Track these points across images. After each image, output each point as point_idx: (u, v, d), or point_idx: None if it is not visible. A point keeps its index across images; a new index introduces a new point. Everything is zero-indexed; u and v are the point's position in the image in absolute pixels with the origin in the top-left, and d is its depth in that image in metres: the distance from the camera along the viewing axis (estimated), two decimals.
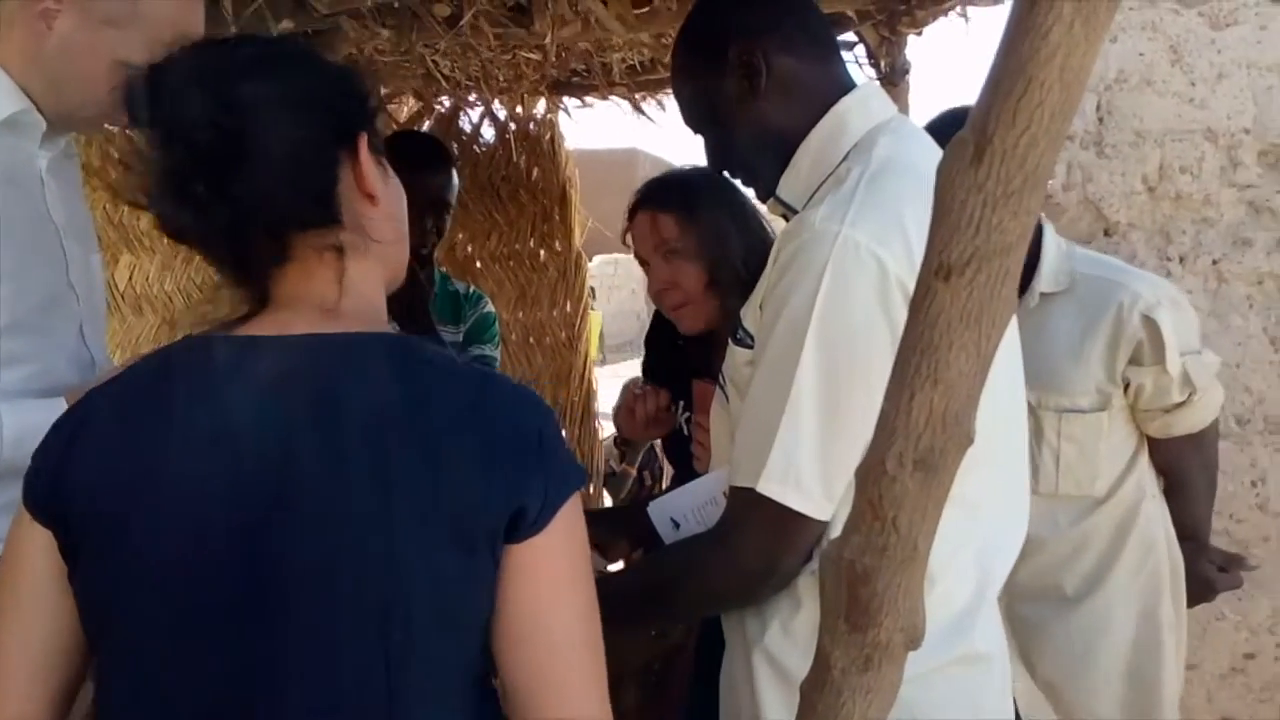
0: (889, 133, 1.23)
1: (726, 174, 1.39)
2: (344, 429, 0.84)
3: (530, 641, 0.87)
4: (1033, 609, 1.90)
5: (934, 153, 1.25)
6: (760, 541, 1.16)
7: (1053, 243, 1.91)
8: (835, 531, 0.80)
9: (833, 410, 1.11)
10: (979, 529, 1.18)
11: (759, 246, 1.82)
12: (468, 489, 0.84)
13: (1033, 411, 1.83)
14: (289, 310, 0.91)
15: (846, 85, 1.30)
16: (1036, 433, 1.84)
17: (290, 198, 0.88)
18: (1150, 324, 1.78)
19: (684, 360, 2.03)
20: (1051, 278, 1.87)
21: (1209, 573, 1.94)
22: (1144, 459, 1.90)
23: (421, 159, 2.31)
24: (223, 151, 0.85)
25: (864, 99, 1.28)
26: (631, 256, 2.05)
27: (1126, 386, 1.83)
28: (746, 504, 1.15)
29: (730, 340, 1.28)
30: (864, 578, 0.75)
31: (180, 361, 0.90)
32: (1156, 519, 1.90)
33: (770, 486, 1.13)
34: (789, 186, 1.29)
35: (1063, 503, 1.88)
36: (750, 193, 1.41)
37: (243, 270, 0.92)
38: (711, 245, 1.81)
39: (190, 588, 0.84)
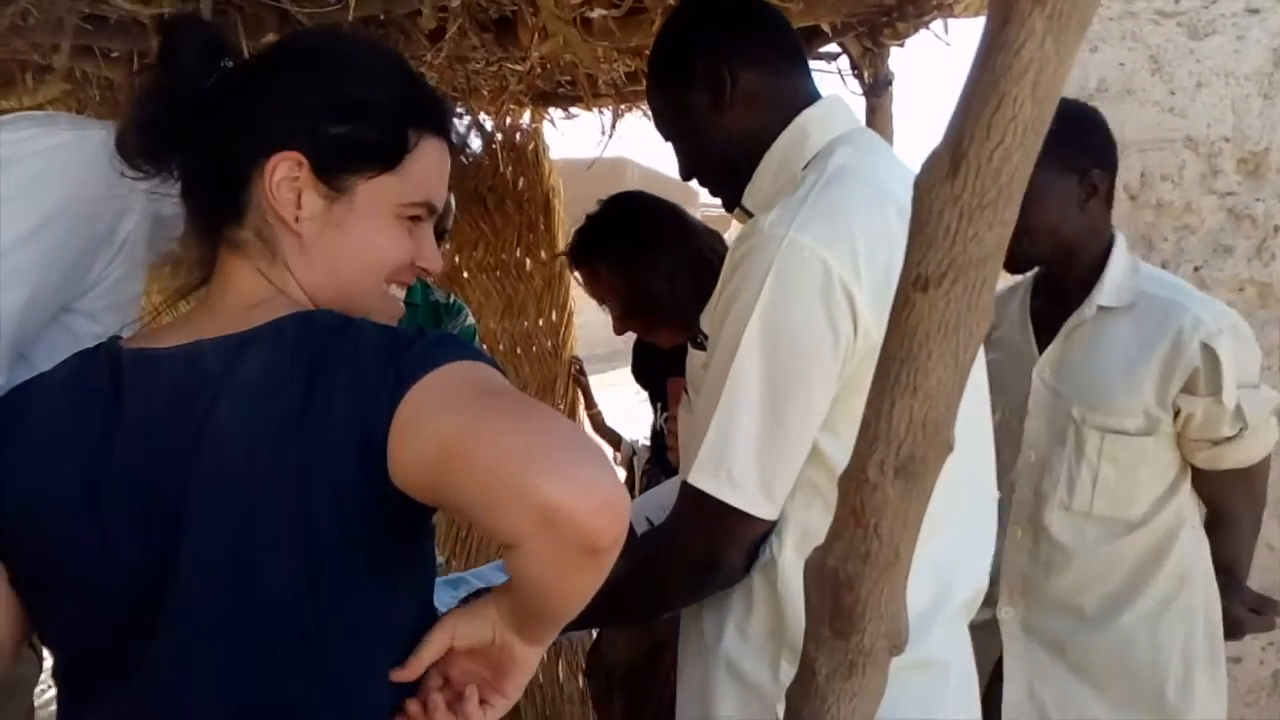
0: (848, 143, 1.26)
1: (695, 182, 1.42)
2: (236, 422, 0.83)
3: (453, 475, 0.76)
4: (1054, 623, 1.83)
5: (893, 164, 1.29)
6: (697, 535, 1.19)
7: (1122, 257, 1.83)
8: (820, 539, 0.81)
9: (770, 408, 1.13)
10: (938, 539, 1.18)
11: (687, 255, 1.91)
12: (346, 443, 0.80)
13: (1076, 428, 1.78)
14: (210, 310, 0.94)
15: (811, 98, 1.32)
16: (1077, 450, 1.78)
17: (213, 174, 0.94)
18: (1209, 353, 1.69)
19: (664, 361, 2.09)
20: (1114, 292, 1.79)
21: (1240, 613, 1.86)
22: (1186, 486, 1.81)
23: None
24: (193, 97, 0.92)
25: (826, 111, 1.30)
26: None
27: (1176, 414, 1.74)
28: (685, 498, 1.19)
29: (690, 344, 1.30)
30: (847, 584, 0.76)
31: (104, 367, 0.90)
32: (1194, 550, 1.81)
33: (701, 479, 1.16)
34: (753, 197, 1.33)
35: (1095, 521, 1.80)
36: (717, 201, 1.45)
37: (199, 223, 0.98)
38: (631, 285, 1.95)
39: (115, 596, 0.84)
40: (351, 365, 0.82)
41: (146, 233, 1.38)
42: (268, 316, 0.89)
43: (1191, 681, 1.79)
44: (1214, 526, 1.86)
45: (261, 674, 0.83)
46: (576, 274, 2.12)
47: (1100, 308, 1.79)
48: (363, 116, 0.94)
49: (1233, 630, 1.86)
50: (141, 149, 0.93)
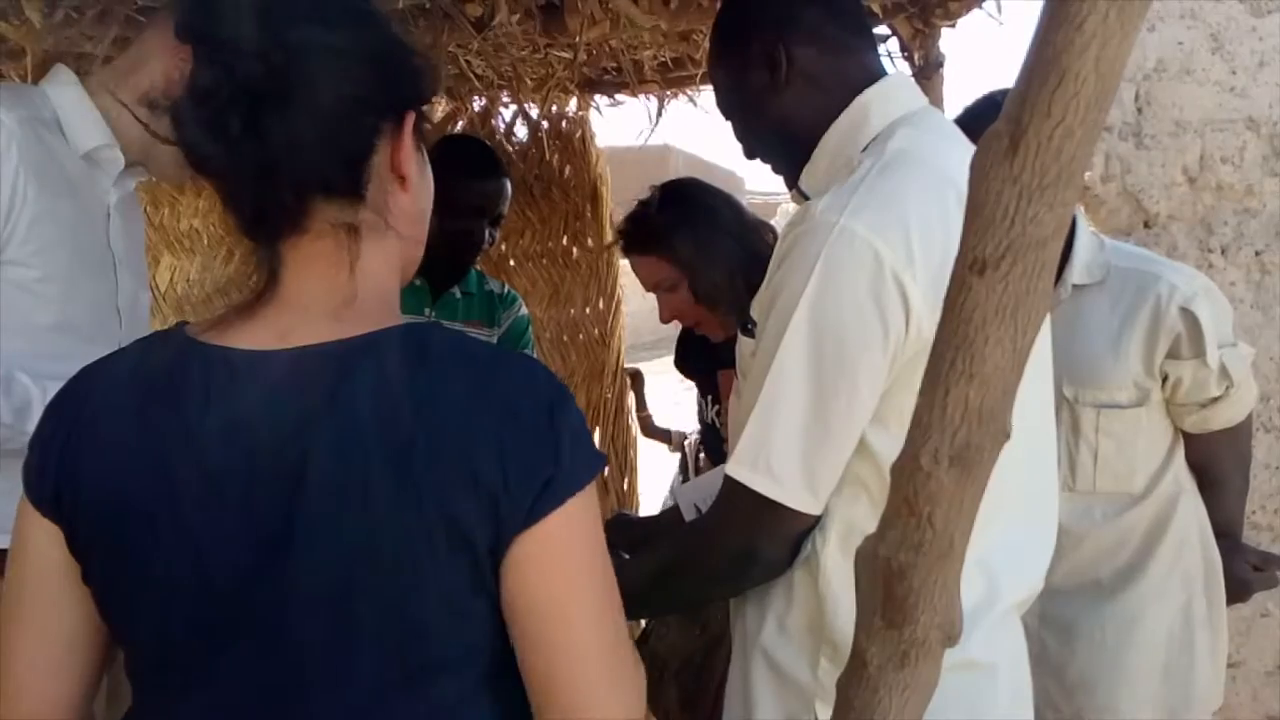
0: (910, 125, 1.21)
1: (757, 160, 1.39)
2: (349, 440, 0.81)
3: (539, 640, 0.83)
4: (1068, 606, 1.86)
5: (957, 147, 1.23)
6: (736, 527, 1.17)
7: (1085, 234, 1.87)
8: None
9: (814, 401, 1.11)
10: (988, 538, 1.14)
11: (742, 247, 1.91)
12: (466, 485, 0.80)
13: (1070, 407, 1.81)
14: (295, 308, 0.87)
15: (874, 76, 1.27)
16: (1074, 429, 1.82)
17: (321, 155, 0.84)
18: (1189, 316, 1.74)
19: (712, 352, 2.08)
20: (1084, 270, 1.84)
21: (1244, 572, 1.90)
22: (1180, 454, 1.87)
23: (478, 166, 2.33)
24: (265, 87, 0.80)
25: (887, 91, 1.26)
26: None
27: (1164, 380, 1.79)
28: (725, 490, 1.18)
29: (739, 331, 1.28)
30: (900, 574, 0.74)
31: (181, 361, 0.86)
32: (1191, 515, 1.86)
33: (741, 471, 1.14)
34: (809, 180, 1.29)
35: (1100, 499, 1.84)
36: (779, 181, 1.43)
37: (258, 229, 0.87)
38: (690, 273, 1.94)
39: (204, 596, 0.83)
40: (503, 415, 0.83)
41: (37, 171, 1.46)
42: (371, 321, 0.86)
43: (1193, 646, 1.84)
44: (1206, 490, 1.90)
45: (363, 678, 0.83)
46: (626, 260, 2.13)
47: (1075, 286, 1.84)
48: (416, 60, 0.92)
49: (1239, 590, 1.90)
50: (212, 135, 0.82)
